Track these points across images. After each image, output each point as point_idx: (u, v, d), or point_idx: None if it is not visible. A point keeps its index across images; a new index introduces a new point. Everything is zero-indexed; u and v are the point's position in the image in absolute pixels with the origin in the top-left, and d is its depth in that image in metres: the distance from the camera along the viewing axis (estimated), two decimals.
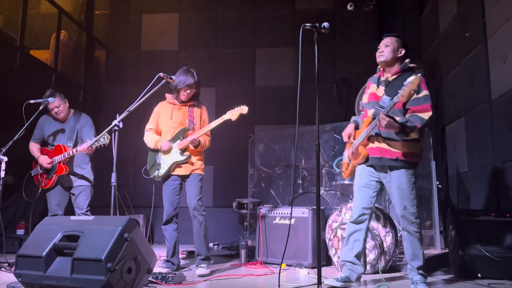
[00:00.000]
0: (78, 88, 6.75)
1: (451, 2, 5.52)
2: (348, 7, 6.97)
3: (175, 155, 3.66)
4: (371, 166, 3.05)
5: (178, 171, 3.68)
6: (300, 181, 5.40)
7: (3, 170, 3.73)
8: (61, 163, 3.88)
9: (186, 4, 7.52)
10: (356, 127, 3.15)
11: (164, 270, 3.50)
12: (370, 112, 3.03)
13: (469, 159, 4.99)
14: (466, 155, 5.05)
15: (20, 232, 5.43)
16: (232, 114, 3.59)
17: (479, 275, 3.31)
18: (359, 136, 3.05)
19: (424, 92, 2.88)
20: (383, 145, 2.95)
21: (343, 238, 3.63)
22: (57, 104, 3.95)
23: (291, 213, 4.15)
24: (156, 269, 3.32)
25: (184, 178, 3.72)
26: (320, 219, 2.48)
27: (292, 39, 6.97)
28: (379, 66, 3.13)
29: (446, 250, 4.18)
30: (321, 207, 2.81)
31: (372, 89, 3.10)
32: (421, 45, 6.82)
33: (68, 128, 4.03)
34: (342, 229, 3.70)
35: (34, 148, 4.06)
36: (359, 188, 3.08)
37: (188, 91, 3.69)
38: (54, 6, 6.11)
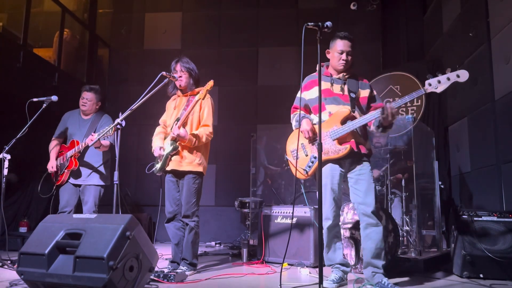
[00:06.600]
0: (81, 87, 6.74)
1: (455, 2, 5.51)
2: (352, 7, 6.97)
3: (167, 147, 3.51)
4: (336, 162, 3.02)
5: (172, 165, 3.49)
6: (302, 181, 5.39)
7: (6, 168, 3.75)
8: (73, 157, 3.92)
9: (189, 3, 7.54)
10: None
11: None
12: (334, 107, 3.04)
13: (472, 159, 4.97)
14: (469, 155, 5.04)
15: (23, 229, 5.45)
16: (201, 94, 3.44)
17: (481, 275, 3.31)
18: (340, 128, 2.96)
19: (375, 92, 3.22)
20: (358, 140, 3.02)
21: (344, 238, 3.62)
22: (89, 97, 4.11)
23: (292, 212, 4.15)
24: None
25: (178, 176, 3.55)
26: (322, 218, 2.48)
27: (295, 38, 6.92)
28: (323, 66, 3.19)
29: (449, 250, 4.17)
30: None
31: (326, 86, 3.11)
32: (424, 45, 6.79)
33: (88, 125, 4.06)
34: (343, 228, 3.69)
35: (51, 146, 4.13)
36: (332, 190, 2.99)
37: (178, 75, 3.60)
38: (57, 4, 6.14)
